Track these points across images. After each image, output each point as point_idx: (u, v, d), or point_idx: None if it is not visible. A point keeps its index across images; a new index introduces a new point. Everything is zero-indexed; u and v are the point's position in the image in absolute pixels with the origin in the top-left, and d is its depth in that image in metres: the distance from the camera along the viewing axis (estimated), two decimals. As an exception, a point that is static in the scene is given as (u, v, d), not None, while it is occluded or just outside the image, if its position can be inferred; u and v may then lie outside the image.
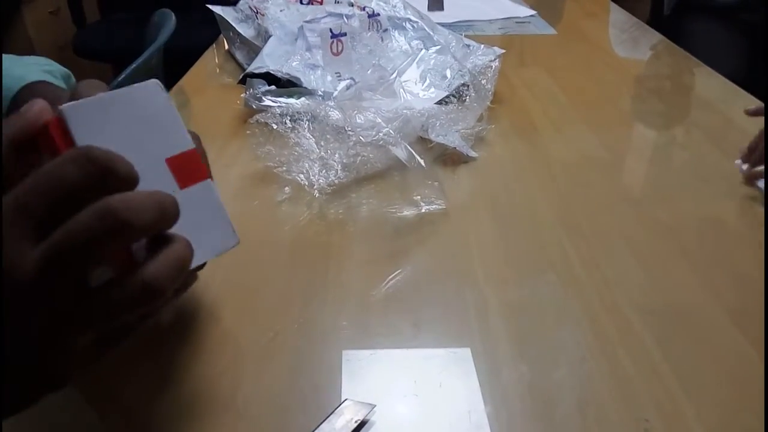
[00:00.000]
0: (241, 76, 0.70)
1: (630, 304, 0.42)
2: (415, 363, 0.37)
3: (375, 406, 0.33)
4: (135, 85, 0.29)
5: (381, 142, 0.54)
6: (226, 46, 0.93)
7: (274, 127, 0.57)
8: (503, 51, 0.73)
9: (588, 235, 0.49)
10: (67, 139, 0.27)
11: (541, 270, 0.45)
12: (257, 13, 0.80)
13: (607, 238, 0.49)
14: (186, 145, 0.30)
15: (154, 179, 0.28)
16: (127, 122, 0.28)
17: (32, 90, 0.50)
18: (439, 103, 0.67)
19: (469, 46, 0.76)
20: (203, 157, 0.36)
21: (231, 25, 0.86)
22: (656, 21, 1.60)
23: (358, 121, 0.56)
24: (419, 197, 0.53)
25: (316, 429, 0.32)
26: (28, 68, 0.52)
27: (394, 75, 0.70)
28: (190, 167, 0.29)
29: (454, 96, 0.68)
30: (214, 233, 0.30)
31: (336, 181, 0.54)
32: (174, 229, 0.26)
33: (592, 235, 0.49)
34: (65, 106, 0.27)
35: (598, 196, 0.55)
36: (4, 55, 0.54)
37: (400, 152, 0.54)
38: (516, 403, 0.34)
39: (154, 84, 0.29)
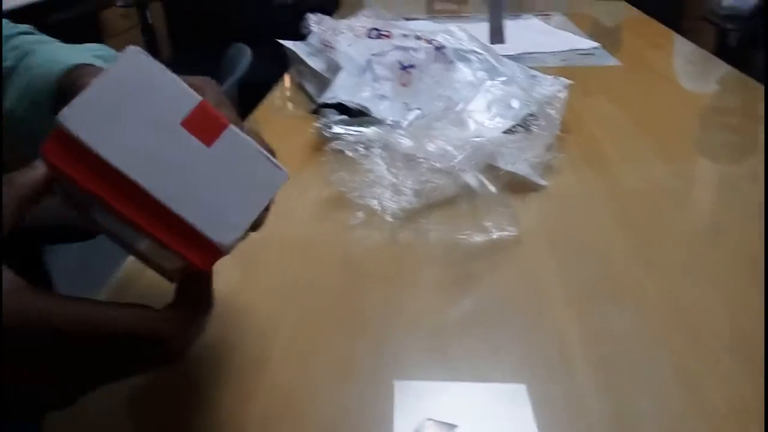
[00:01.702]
0: (315, 107, 0.73)
1: (715, 338, 0.40)
2: (491, 395, 0.37)
3: (457, 426, 0.33)
4: (117, 59, 0.26)
5: (452, 169, 0.55)
6: (296, 79, 0.97)
7: (349, 154, 0.59)
8: (571, 82, 0.73)
9: (664, 266, 0.48)
10: (76, 150, 0.25)
11: (617, 300, 0.45)
12: (328, 46, 0.84)
13: (684, 269, 0.48)
14: (193, 100, 0.27)
15: (179, 148, 0.26)
16: (127, 101, 0.26)
17: (78, 72, 0.45)
18: (506, 132, 0.67)
19: (535, 76, 0.77)
20: (226, 107, 0.33)
21: (301, 58, 0.90)
22: (721, 52, 1.57)
23: (430, 149, 0.57)
24: (490, 224, 0.53)
25: (399, 446, 0.32)
26: (77, 53, 0.48)
27: (461, 105, 0.71)
28: (207, 121, 0.27)
29: (521, 126, 0.69)
30: (262, 174, 0.28)
31: (408, 207, 0.56)
32: (221, 186, 0.26)
33: (669, 266, 0.48)
34: (61, 114, 0.24)
35: (672, 226, 0.54)
36: (60, 43, 0.51)
37: (472, 179, 0.55)
38: (599, 432, 0.34)
39: (134, 51, 0.27)
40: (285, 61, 0.97)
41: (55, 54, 0.47)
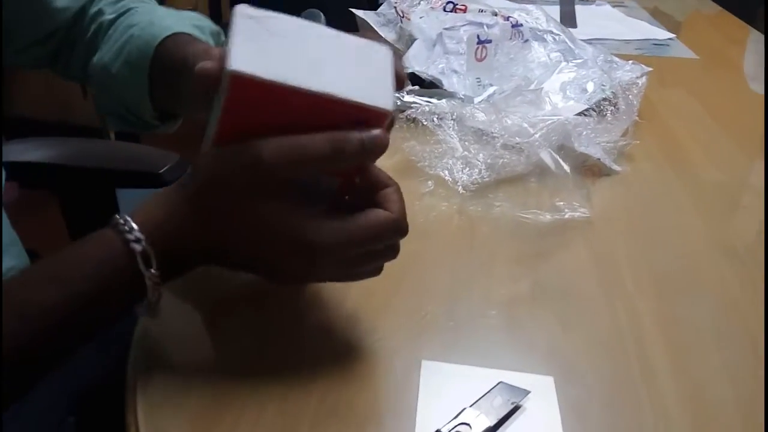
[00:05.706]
0: (387, 75, 0.73)
1: (796, 333, 0.39)
2: (562, 372, 0.37)
3: (529, 392, 0.34)
4: (234, 21, 0.32)
5: (528, 146, 0.55)
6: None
7: (424, 122, 0.59)
8: (650, 69, 0.71)
9: (746, 258, 0.47)
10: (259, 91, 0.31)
11: (695, 288, 0.44)
12: (403, 17, 0.84)
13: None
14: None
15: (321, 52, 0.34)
16: (268, 41, 0.33)
17: (175, 41, 0.46)
18: (578, 115, 0.66)
19: (612, 61, 0.75)
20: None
21: (373, 28, 0.90)
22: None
23: (506, 124, 0.57)
24: (562, 203, 0.53)
25: (474, 403, 0.33)
26: (177, 21, 0.49)
27: (535, 84, 0.70)
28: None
29: (593, 110, 0.67)
30: (376, 55, 0.36)
31: (479, 180, 0.55)
32: (359, 75, 0.34)
33: (751, 259, 0.47)
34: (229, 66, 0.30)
35: (755, 219, 0.52)
36: (160, 7, 0.52)
37: (547, 157, 0.54)
38: (676, 417, 0.34)
39: (242, 10, 0.33)
40: (351, 29, 0.97)
41: (155, 18, 0.47)
